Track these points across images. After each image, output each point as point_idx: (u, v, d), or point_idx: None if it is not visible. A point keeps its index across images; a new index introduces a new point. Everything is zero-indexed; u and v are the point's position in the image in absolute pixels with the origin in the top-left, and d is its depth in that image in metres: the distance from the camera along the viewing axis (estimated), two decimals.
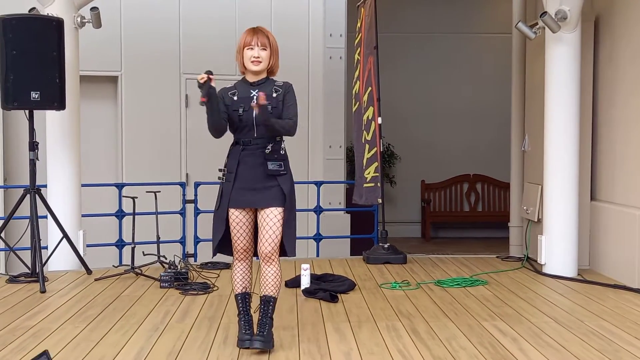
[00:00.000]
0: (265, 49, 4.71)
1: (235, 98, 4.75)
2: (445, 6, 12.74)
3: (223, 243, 4.86)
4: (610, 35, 7.40)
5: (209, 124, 4.74)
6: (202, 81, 4.60)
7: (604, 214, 7.39)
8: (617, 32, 7.26)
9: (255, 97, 4.65)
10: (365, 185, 8.25)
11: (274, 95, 4.72)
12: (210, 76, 4.60)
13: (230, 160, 4.79)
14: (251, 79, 4.78)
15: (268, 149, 4.71)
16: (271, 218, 4.67)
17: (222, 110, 4.72)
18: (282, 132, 4.73)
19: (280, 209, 4.69)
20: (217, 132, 4.78)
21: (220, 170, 4.83)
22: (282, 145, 4.79)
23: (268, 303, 4.72)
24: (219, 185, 4.86)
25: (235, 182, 4.72)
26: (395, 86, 12.25)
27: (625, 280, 6.83)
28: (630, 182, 6.96)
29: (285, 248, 4.77)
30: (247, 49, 4.71)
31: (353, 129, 8.80)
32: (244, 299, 4.82)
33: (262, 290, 4.75)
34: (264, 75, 4.79)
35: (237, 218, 4.75)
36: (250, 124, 4.71)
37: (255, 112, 4.63)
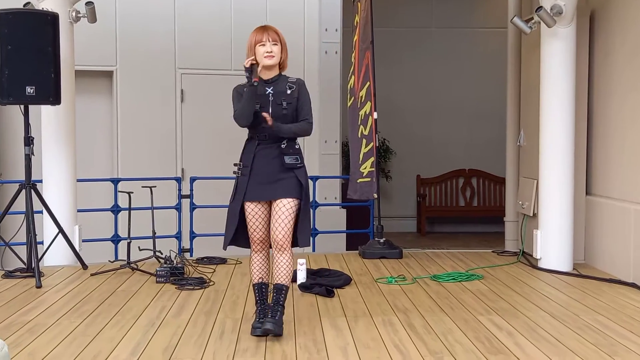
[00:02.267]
0: (276, 44, 4.85)
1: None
2: (442, 1, 12.74)
3: (236, 236, 4.97)
4: (606, 30, 7.41)
5: (244, 109, 4.80)
6: (248, 65, 4.75)
7: (599, 209, 7.40)
8: (613, 28, 7.27)
9: (263, 119, 4.77)
10: (360, 180, 8.25)
11: (288, 92, 4.87)
12: (255, 60, 4.78)
13: (245, 155, 4.94)
14: (265, 75, 4.88)
15: (284, 143, 4.86)
16: (284, 208, 4.82)
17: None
18: (300, 135, 4.92)
19: (294, 200, 4.83)
20: (247, 119, 4.83)
21: (235, 164, 4.95)
22: (297, 140, 4.95)
23: (280, 291, 4.88)
24: (234, 180, 4.98)
25: (251, 176, 4.87)
26: (391, 81, 12.25)
27: (620, 274, 6.85)
28: (626, 176, 6.97)
29: (298, 238, 4.91)
30: (259, 45, 4.84)
31: (348, 124, 8.80)
32: (260, 289, 4.99)
33: (274, 278, 4.91)
34: (276, 72, 4.92)
35: (253, 211, 4.89)
36: (265, 120, 4.81)
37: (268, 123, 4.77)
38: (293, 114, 4.88)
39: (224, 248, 5.07)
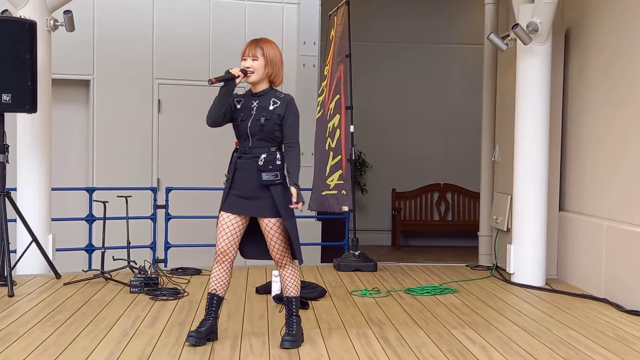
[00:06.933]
0: (256, 60, 4.84)
1: (238, 106, 4.89)
2: (420, 16, 12.84)
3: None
4: (580, 47, 7.50)
5: (212, 107, 4.82)
6: (233, 73, 4.77)
7: (572, 225, 7.47)
8: (587, 45, 7.36)
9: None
10: (326, 192, 8.22)
11: (271, 107, 4.83)
12: (242, 77, 4.80)
13: (229, 166, 4.95)
14: (253, 89, 4.93)
15: (261, 160, 4.81)
16: (271, 228, 4.85)
17: (228, 109, 4.84)
18: (299, 165, 4.85)
19: (276, 219, 4.83)
20: (212, 118, 4.83)
21: (225, 175, 4.97)
22: (278, 156, 4.86)
23: (291, 303, 4.97)
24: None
25: (231, 188, 4.88)
26: (367, 95, 12.31)
27: (592, 289, 6.91)
28: (598, 193, 7.05)
29: (295, 256, 4.94)
30: (242, 60, 4.88)
31: (315, 135, 8.79)
32: (211, 299, 5.00)
33: (284, 292, 4.99)
34: (265, 86, 4.91)
35: (224, 221, 4.90)
36: (246, 134, 4.85)
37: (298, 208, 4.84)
38: (272, 129, 4.80)
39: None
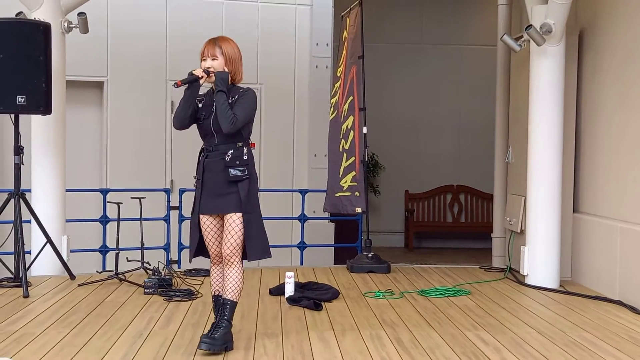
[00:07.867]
0: (215, 59, 4.84)
1: (200, 105, 4.91)
2: (432, 18, 12.84)
3: (200, 248, 5.03)
4: (594, 48, 7.48)
5: (176, 111, 4.89)
6: (196, 74, 4.78)
7: (586, 226, 7.45)
8: (601, 47, 7.33)
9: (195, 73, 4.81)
10: (340, 194, 8.23)
11: (230, 101, 4.79)
12: (205, 77, 4.80)
13: (198, 167, 4.94)
14: (215, 87, 4.86)
15: (228, 155, 4.80)
16: (230, 223, 4.80)
17: (194, 108, 4.87)
18: (222, 114, 4.70)
19: (239, 214, 4.79)
20: (178, 121, 4.90)
21: (194, 177, 4.96)
22: (245, 151, 4.85)
23: (225, 306, 4.84)
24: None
25: (203, 189, 4.88)
26: (380, 96, 12.31)
27: (606, 291, 6.89)
28: (612, 194, 7.02)
29: (247, 254, 4.82)
30: (202, 60, 4.89)
31: (328, 137, 8.80)
32: (216, 301, 5.02)
33: (223, 292, 4.89)
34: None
35: (205, 224, 4.93)
36: (210, 131, 4.85)
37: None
38: None
39: (190, 261, 5.08)
